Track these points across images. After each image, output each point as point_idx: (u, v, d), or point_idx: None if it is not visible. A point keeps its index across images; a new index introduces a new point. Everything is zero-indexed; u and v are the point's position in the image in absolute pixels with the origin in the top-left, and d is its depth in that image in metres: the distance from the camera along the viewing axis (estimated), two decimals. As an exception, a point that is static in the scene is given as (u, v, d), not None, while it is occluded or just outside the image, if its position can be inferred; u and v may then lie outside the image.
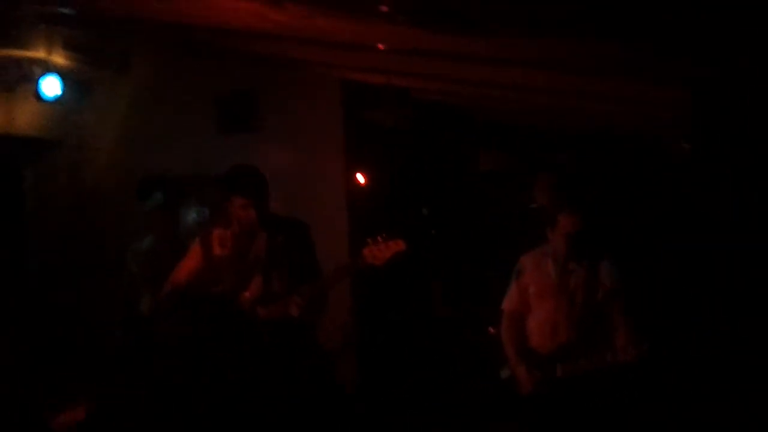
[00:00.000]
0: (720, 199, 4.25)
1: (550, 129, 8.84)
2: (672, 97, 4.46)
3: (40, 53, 5.37)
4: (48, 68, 5.38)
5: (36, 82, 5.34)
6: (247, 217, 4.04)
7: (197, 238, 4.25)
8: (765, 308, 4.11)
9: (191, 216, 6.71)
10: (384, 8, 3.58)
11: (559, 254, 4.15)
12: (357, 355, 6.60)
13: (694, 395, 4.33)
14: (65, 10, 4.76)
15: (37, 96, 5.38)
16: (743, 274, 4.33)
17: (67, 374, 5.38)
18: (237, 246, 4.13)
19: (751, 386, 4.19)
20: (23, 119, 5.66)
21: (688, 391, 4.36)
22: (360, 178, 7.28)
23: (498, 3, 3.32)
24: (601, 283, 4.11)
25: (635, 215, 6.16)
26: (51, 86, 5.40)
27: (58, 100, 5.51)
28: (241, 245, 4.12)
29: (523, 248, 4.37)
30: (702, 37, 3.15)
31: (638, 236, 5.72)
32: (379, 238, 3.94)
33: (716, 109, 4.03)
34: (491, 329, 4.41)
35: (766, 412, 4.04)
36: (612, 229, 4.88)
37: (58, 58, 5.50)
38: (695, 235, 4.72)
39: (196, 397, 4.14)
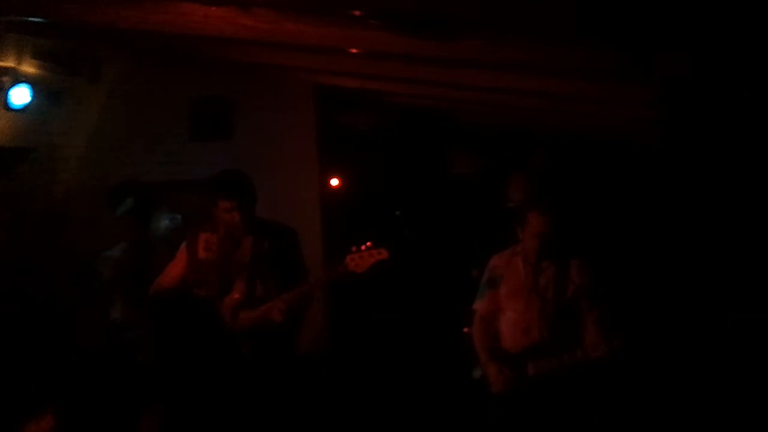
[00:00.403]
0: (691, 198, 4.30)
1: (523, 131, 8.88)
2: (642, 98, 4.51)
3: (9, 62, 5.32)
4: (18, 77, 5.33)
5: (5, 92, 5.30)
6: (231, 221, 4.04)
7: (184, 242, 4.26)
8: (738, 304, 4.15)
9: (163, 223, 6.68)
10: (357, 12, 3.58)
11: (530, 253, 4.17)
12: (333, 358, 6.61)
13: (668, 392, 4.37)
14: (35, 19, 4.72)
15: (6, 105, 5.33)
16: (716, 272, 4.38)
17: (38, 381, 5.34)
18: (222, 250, 4.13)
19: (724, 384, 4.22)
20: (-7, 129, 5.61)
21: (662, 387, 4.39)
22: (334, 181, 7.29)
23: (470, 7, 3.33)
24: (572, 281, 4.13)
25: (607, 214, 6.21)
26: (20, 95, 5.36)
27: (27, 109, 5.46)
28: (226, 249, 4.13)
29: (495, 249, 4.39)
30: (671, 37, 3.19)
31: (610, 235, 5.77)
32: (363, 246, 3.97)
33: (685, 109, 4.07)
34: (466, 329, 4.42)
35: (738, 408, 4.09)
36: (583, 227, 4.91)
37: (28, 67, 5.45)
38: (666, 234, 4.77)
39: (174, 399, 4.14)
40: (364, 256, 3.95)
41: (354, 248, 3.98)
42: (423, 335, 6.81)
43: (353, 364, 6.59)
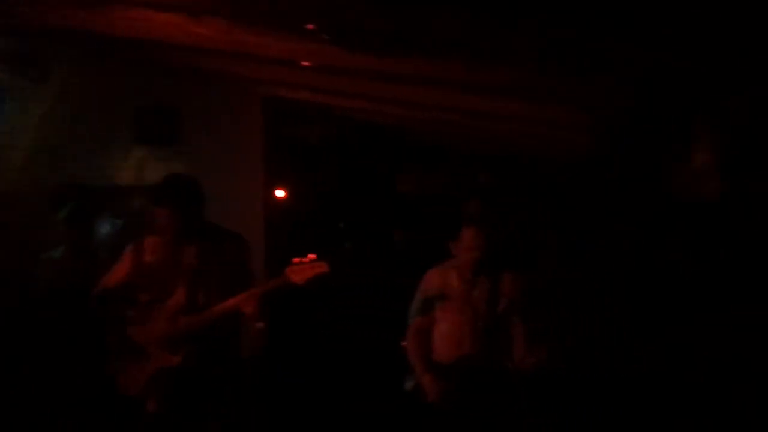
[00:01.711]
0: (623, 218, 4.42)
1: (468, 150, 9.00)
2: (578, 121, 4.63)
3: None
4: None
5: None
6: (169, 227, 4.03)
7: (130, 245, 4.24)
8: (669, 317, 4.26)
9: (105, 227, 6.62)
10: (310, 26, 3.63)
11: (464, 268, 4.28)
12: (267, 367, 6.61)
13: (598, 403, 4.46)
14: (-19, 16, 4.67)
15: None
16: (648, 286, 4.49)
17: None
18: (167, 254, 4.12)
19: (656, 395, 4.33)
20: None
21: (592, 399, 4.49)
22: (279, 193, 7.30)
23: (420, 26, 3.40)
24: (504, 295, 4.24)
25: (542, 230, 6.34)
26: (-35, 93, 5.29)
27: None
28: (170, 254, 4.11)
29: (432, 263, 4.49)
30: (607, 61, 3.29)
31: (544, 250, 5.90)
32: (305, 258, 3.99)
33: (619, 130, 4.20)
34: (404, 343, 4.48)
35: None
36: (517, 243, 5.03)
37: (-26, 66, 5.38)
38: (600, 250, 4.88)
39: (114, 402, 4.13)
40: (305, 268, 3.98)
41: (295, 260, 4.00)
42: (359, 348, 6.86)
43: (291, 373, 6.60)
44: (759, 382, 3.83)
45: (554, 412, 4.39)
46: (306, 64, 4.79)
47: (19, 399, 4.85)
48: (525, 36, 3.05)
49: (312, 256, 4.01)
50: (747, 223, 3.79)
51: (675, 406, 4.16)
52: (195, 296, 4.07)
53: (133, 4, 3.76)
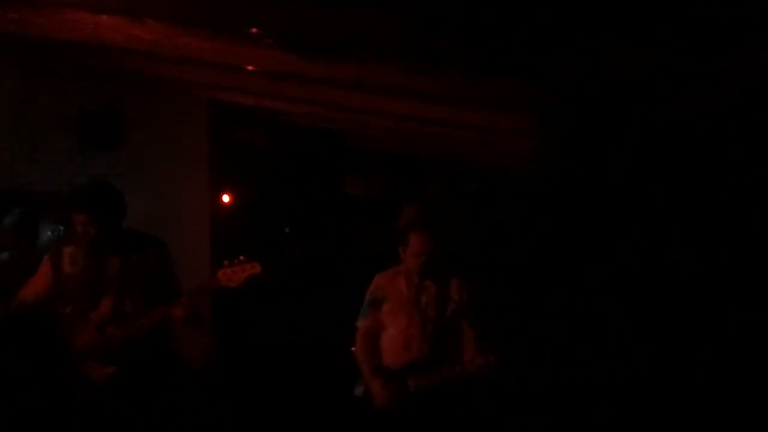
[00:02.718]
0: (568, 222, 4.47)
1: (415, 155, 9.05)
2: (522, 126, 4.69)
3: None
4: None
5: None
6: (87, 235, 3.94)
7: (47, 256, 4.13)
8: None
9: (47, 234, 6.51)
10: (253, 30, 3.61)
11: (411, 272, 4.30)
12: (217, 374, 6.57)
13: (551, 406, 4.51)
14: None
15: None
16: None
17: None
18: (87, 264, 4.02)
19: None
20: None
21: (543, 402, 4.54)
22: (225, 197, 7.26)
23: (365, 31, 3.41)
24: (451, 299, 4.28)
25: (488, 236, 6.41)
26: None
27: None
28: (92, 263, 4.02)
29: (380, 268, 4.50)
30: (549, 65, 3.34)
31: (489, 256, 5.96)
32: (235, 260, 3.96)
33: (562, 136, 4.26)
34: (353, 349, 4.49)
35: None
36: (463, 248, 5.08)
37: None
38: (542, 255, 4.94)
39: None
40: (237, 270, 3.94)
41: (226, 262, 3.96)
42: (309, 354, 6.84)
43: (240, 379, 6.56)
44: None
45: (521, 416, 4.42)
46: (251, 68, 4.77)
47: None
48: (465, 40, 3.08)
49: (242, 257, 3.97)
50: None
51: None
52: (122, 306, 3.98)
53: (70, 5, 3.70)
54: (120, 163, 6.67)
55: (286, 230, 8.41)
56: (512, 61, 3.28)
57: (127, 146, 6.80)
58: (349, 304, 4.71)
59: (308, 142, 8.48)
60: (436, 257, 4.24)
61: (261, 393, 6.26)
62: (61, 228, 6.48)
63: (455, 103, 4.84)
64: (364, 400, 4.28)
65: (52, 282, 4.05)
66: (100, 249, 3.98)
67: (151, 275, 4.03)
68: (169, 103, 6.80)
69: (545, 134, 4.36)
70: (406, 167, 9.26)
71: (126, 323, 3.94)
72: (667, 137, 4.02)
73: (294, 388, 6.33)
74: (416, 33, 3.10)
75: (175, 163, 6.79)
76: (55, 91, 6.68)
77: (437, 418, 4.18)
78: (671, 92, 3.67)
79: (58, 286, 4.04)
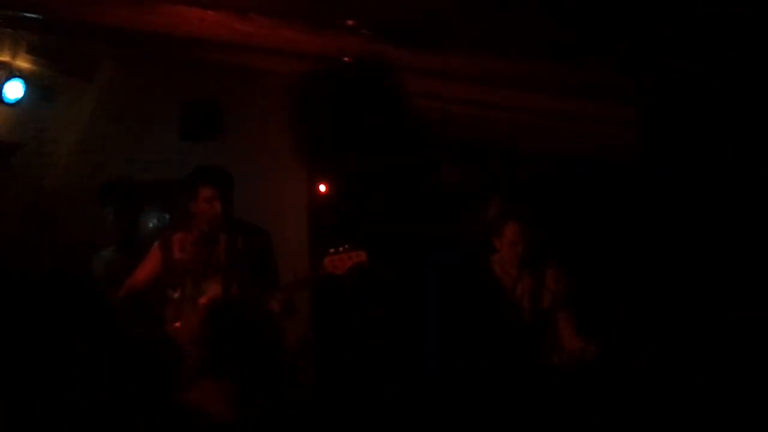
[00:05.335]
0: (670, 213, 4.39)
1: (509, 145, 8.95)
2: (625, 117, 4.61)
3: (4, 57, 5.35)
4: (12, 72, 5.37)
5: (-1, 86, 5.34)
6: (211, 212, 4.03)
7: (157, 242, 4.25)
8: (714, 312, 4.23)
9: (152, 222, 6.71)
10: (350, 22, 3.66)
11: (506, 263, 4.27)
12: (314, 363, 6.64)
13: (646, 398, 4.44)
14: (30, 15, 4.76)
15: (0, 99, 5.37)
16: (694, 281, 4.45)
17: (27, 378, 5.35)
18: (197, 250, 4.13)
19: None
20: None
21: (640, 393, 4.47)
22: (322, 187, 7.33)
23: (462, 22, 3.41)
24: (548, 289, 4.23)
25: (587, 226, 6.31)
26: (14, 90, 5.39)
27: (20, 104, 5.50)
28: (201, 249, 4.12)
29: (476, 258, 4.48)
30: (652, 58, 3.28)
31: (590, 245, 5.86)
32: (341, 248, 3.98)
33: (666, 127, 4.17)
34: None
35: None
36: (561, 237, 5.01)
37: (23, 62, 5.49)
38: (644, 245, 4.86)
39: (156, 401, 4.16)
40: (343, 258, 3.97)
41: (332, 250, 4.00)
42: (405, 340, 6.85)
43: (338, 364, 6.63)
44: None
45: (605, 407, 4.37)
46: (348, 59, 4.81)
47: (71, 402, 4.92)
48: (568, 30, 3.05)
49: (347, 245, 3.99)
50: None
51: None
52: (229, 290, 4.09)
53: (182, 2, 3.82)
54: (220, 153, 6.81)
55: (382, 219, 8.43)
56: (620, 57, 3.23)
57: (226, 137, 6.94)
58: (443, 292, 4.70)
59: (403, 130, 8.48)
60: (532, 247, 4.19)
61: (358, 382, 6.32)
62: (166, 216, 6.66)
63: (548, 92, 4.79)
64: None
65: (161, 267, 4.17)
66: (209, 233, 4.08)
67: (255, 262, 4.12)
68: (268, 96, 6.90)
69: (649, 127, 4.27)
70: (498, 156, 9.17)
71: (230, 310, 4.04)
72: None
73: (389, 379, 6.36)
74: (517, 21, 3.09)
75: (273, 153, 6.89)
76: (159, 83, 6.85)
77: (534, 409, 4.15)
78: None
79: (167, 271, 4.16)
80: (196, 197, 4.05)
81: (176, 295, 4.12)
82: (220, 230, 4.10)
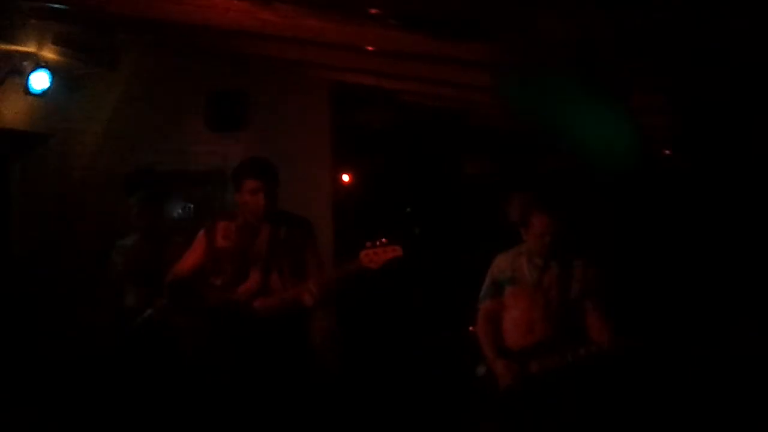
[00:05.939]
0: (699, 203, 4.34)
1: (533, 135, 8.88)
2: (654, 105, 4.54)
3: (30, 47, 5.38)
4: (38, 63, 5.39)
5: (26, 77, 5.36)
6: (255, 204, 4.06)
7: (202, 230, 4.30)
8: (744, 306, 4.19)
9: (176, 212, 6.74)
10: (374, 11, 3.63)
11: (534, 253, 4.25)
12: (340, 354, 6.65)
13: (673, 390, 4.41)
14: (56, 5, 4.78)
15: (26, 90, 5.39)
16: (722, 273, 4.42)
17: (49, 365, 5.42)
18: (240, 238, 4.17)
19: (731, 385, 4.27)
20: (10, 113, 5.66)
21: (667, 385, 4.44)
22: (345, 177, 7.34)
23: (488, 10, 3.38)
24: (576, 280, 4.20)
25: (614, 216, 6.25)
26: (40, 80, 5.42)
27: (46, 94, 5.52)
28: (244, 238, 4.17)
29: (501, 248, 4.45)
30: (682, 46, 3.23)
31: (614, 236, 5.81)
32: (377, 242, 3.98)
33: (698, 116, 4.11)
34: (472, 328, 4.47)
35: (740, 409, 4.12)
36: (587, 228, 4.96)
37: (49, 53, 5.51)
38: (674, 236, 4.81)
39: (190, 387, 4.20)
40: (379, 252, 3.96)
41: (369, 244, 3.98)
42: (428, 332, 6.85)
43: (361, 360, 6.64)
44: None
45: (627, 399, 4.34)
46: (371, 48, 4.79)
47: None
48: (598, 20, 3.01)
49: (384, 239, 3.99)
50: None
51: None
52: (269, 280, 4.12)
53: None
54: (244, 144, 6.83)
55: (408, 210, 8.41)
56: (648, 43, 3.18)
57: (251, 128, 6.96)
58: (468, 283, 4.69)
59: (427, 121, 8.47)
60: (560, 237, 4.16)
61: (382, 373, 6.33)
62: (191, 206, 6.70)
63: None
64: (487, 381, 4.26)
65: (205, 255, 4.23)
66: (253, 222, 4.12)
67: (297, 251, 4.15)
68: (292, 84, 6.92)
69: (685, 120, 4.21)
70: (526, 146, 9.11)
71: (270, 298, 4.06)
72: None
73: (414, 369, 6.36)
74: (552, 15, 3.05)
75: (297, 144, 6.90)
76: (184, 73, 6.88)
77: (559, 401, 4.12)
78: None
79: (211, 259, 4.21)
80: (240, 188, 4.09)
81: (218, 282, 4.16)
82: (263, 221, 4.12)
